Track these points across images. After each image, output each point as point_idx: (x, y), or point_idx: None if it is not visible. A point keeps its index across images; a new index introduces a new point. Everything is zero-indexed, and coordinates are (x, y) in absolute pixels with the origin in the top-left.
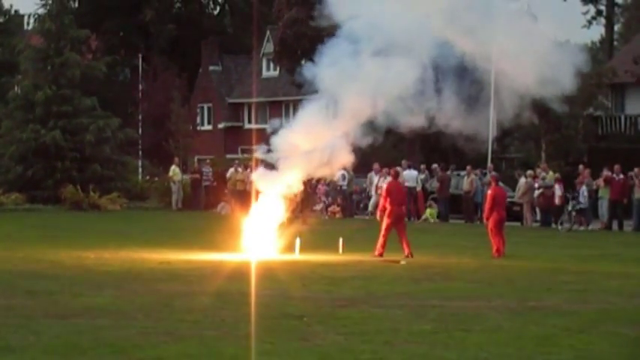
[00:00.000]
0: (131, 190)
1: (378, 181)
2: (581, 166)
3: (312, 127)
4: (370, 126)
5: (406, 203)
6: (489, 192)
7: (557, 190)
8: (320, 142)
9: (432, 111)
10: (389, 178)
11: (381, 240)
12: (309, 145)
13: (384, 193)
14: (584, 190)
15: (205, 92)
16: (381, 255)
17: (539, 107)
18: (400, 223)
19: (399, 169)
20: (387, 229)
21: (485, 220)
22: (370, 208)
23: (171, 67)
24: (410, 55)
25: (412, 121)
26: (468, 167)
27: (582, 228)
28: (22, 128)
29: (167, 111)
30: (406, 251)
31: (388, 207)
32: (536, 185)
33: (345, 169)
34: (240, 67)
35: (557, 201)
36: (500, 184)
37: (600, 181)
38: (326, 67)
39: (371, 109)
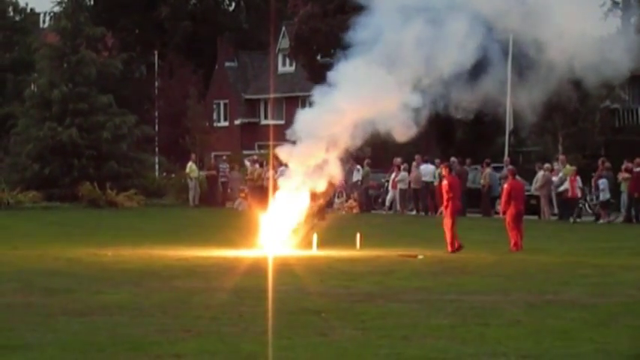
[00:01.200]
0: (148, 187)
1: (396, 176)
2: (600, 160)
3: (364, 90)
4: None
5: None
6: (505, 186)
7: (578, 182)
8: (375, 108)
9: (484, 89)
10: (442, 171)
11: (449, 236)
12: (360, 112)
13: (446, 188)
14: (604, 183)
15: (221, 88)
16: (460, 248)
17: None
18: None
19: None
20: (454, 224)
21: (502, 214)
22: (387, 203)
23: (187, 63)
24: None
25: (465, 97)
26: (486, 161)
27: (602, 221)
28: (38, 126)
29: (183, 108)
30: (455, 246)
31: (450, 203)
32: (554, 179)
33: (358, 163)
34: (256, 63)
35: (578, 193)
36: (518, 177)
37: (622, 175)
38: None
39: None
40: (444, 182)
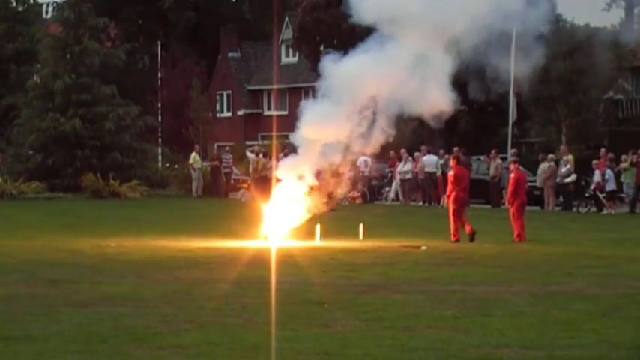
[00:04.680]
0: (151, 178)
1: (396, 168)
2: (603, 151)
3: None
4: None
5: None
6: (512, 176)
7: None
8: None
9: None
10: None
11: (453, 226)
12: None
13: (451, 179)
14: (610, 174)
15: (224, 79)
16: (457, 240)
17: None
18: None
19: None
20: (455, 214)
21: (507, 205)
22: (392, 194)
23: (190, 54)
24: None
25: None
26: (493, 152)
27: (605, 212)
28: (41, 117)
29: (186, 98)
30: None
31: (454, 193)
32: (563, 170)
33: (366, 154)
34: (259, 53)
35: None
36: (521, 168)
37: (622, 166)
38: None
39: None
40: (450, 173)
